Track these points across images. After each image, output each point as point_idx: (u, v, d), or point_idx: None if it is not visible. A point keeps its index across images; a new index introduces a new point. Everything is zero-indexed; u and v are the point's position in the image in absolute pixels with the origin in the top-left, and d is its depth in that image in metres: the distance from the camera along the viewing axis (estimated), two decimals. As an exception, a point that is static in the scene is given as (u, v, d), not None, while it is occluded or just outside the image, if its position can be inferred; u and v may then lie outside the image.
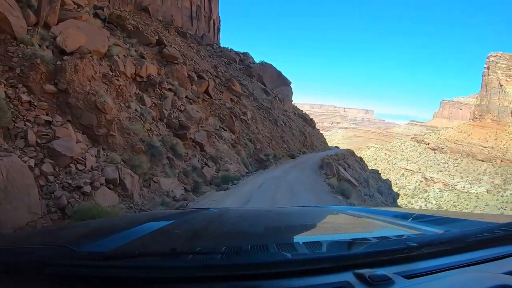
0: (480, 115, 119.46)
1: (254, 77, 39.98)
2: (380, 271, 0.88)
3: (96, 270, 0.92)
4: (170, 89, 14.33)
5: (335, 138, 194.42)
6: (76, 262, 0.94)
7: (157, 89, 13.27)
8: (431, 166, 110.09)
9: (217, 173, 12.46)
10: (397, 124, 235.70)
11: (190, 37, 35.89)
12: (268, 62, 45.11)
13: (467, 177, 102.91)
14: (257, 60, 46.09)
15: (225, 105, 22.04)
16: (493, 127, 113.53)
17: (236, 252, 1.05)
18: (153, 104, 12.03)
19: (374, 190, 29.61)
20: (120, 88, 10.26)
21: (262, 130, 28.42)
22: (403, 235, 1.22)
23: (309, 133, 42.28)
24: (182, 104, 14.13)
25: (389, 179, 51.95)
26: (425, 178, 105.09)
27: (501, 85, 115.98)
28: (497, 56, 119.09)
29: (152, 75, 13.36)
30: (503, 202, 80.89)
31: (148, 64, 13.74)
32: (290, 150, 29.83)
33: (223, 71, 31.53)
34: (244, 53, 45.92)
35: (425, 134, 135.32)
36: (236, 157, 16.36)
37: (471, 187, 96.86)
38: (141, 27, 20.75)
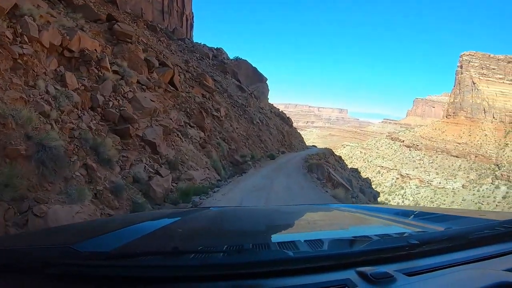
0: (454, 113, 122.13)
1: (228, 73, 36.97)
2: (381, 269, 0.88)
3: (97, 269, 0.92)
4: (115, 72, 10.98)
5: (310, 138, 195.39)
6: (78, 262, 0.94)
7: (93, 68, 9.79)
8: (406, 163, 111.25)
9: (176, 184, 9.20)
10: (371, 122, 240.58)
11: (160, 31, 32.56)
12: (243, 58, 42.03)
13: (443, 173, 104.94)
14: (231, 57, 42.72)
15: (194, 99, 18.71)
16: (467, 124, 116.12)
17: (238, 250, 1.05)
18: (82, 87, 8.65)
19: (357, 190, 27.38)
20: (24, 59, 6.82)
21: (237, 128, 25.38)
22: (404, 233, 1.24)
23: (287, 132, 39.93)
24: (130, 91, 10.70)
25: (368, 178, 50.35)
26: (401, 175, 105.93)
27: (474, 83, 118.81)
28: (470, 55, 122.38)
29: (88, 50, 9.77)
30: (479, 196, 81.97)
31: (85, 36, 10.15)
32: (269, 150, 27.16)
33: (194, 66, 28.37)
34: (217, 49, 42.67)
35: (399, 132, 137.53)
36: (205, 161, 13.17)
37: (446, 183, 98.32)
38: (91, 4, 16.95)
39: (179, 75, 19.51)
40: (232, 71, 38.33)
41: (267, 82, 42.99)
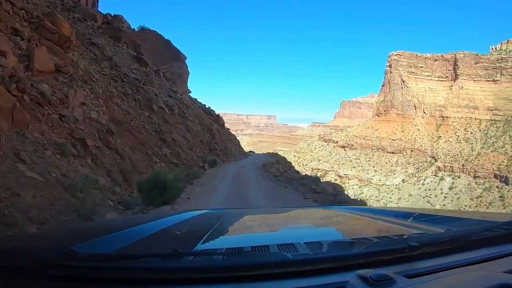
0: (385, 110, 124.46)
1: (125, 44, 25.93)
2: (381, 271, 0.88)
3: (98, 271, 0.92)
4: None
5: (241, 144, 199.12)
6: (78, 263, 0.94)
7: None
8: (343, 164, 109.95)
9: None
10: (299, 127, 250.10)
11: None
12: (151, 29, 31.18)
13: (381, 170, 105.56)
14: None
15: None
16: (399, 121, 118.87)
17: (237, 252, 1.07)
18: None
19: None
20: None
21: (117, 111, 14.89)
22: (404, 235, 1.25)
23: (218, 131, 29.86)
24: None
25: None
26: (339, 176, 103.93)
27: (403, 81, 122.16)
28: (398, 54, 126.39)
29: None
30: (425, 190, 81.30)
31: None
32: (181, 160, 16.99)
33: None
34: (115, 15, 31.12)
35: (332, 133, 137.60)
36: None
37: (386, 179, 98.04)
38: None
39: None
40: (133, 41, 27.42)
41: (186, 62, 32.80)
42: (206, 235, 1.50)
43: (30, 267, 0.92)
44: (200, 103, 36.93)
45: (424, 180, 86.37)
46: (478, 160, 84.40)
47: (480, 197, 70.88)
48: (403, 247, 1.02)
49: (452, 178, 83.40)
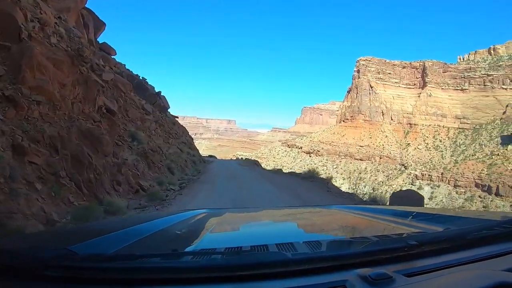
0: (351, 116, 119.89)
1: None
2: (380, 270, 0.87)
3: (97, 272, 0.91)
4: None
5: (200, 149, 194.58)
6: (77, 264, 0.92)
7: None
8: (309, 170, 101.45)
9: None
10: (259, 132, 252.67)
11: None
12: None
13: (349, 177, 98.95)
14: None
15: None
16: (366, 127, 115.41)
17: (236, 252, 1.06)
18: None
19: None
20: None
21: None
22: (403, 234, 1.24)
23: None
24: None
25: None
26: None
27: (371, 87, 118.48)
28: (367, 60, 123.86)
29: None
30: (401, 199, 74.25)
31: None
32: None
33: None
34: None
35: (295, 138, 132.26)
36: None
37: (356, 188, 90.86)
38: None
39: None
40: None
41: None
42: (206, 235, 1.54)
43: (29, 267, 0.90)
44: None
45: (401, 189, 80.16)
46: (457, 168, 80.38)
47: (463, 207, 65.52)
48: (402, 246, 1.01)
49: (431, 187, 78.33)
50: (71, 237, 1.50)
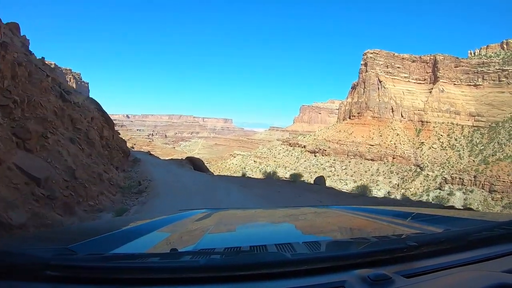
0: (358, 113, 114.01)
1: None
2: (380, 271, 0.88)
3: (96, 271, 0.92)
4: None
5: (196, 148, 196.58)
6: (76, 263, 0.94)
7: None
8: (315, 172, 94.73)
9: None
10: (256, 131, 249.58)
11: None
12: None
13: (361, 180, 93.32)
14: None
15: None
16: (375, 124, 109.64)
17: (236, 252, 1.07)
18: None
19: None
20: None
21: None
22: (402, 235, 1.23)
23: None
24: None
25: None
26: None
27: (380, 82, 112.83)
28: (375, 53, 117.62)
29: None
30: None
31: None
32: None
33: None
34: None
35: (296, 137, 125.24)
36: None
37: (370, 192, 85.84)
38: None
39: None
40: None
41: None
42: (205, 235, 1.51)
43: (29, 267, 0.91)
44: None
45: (428, 196, 75.47)
46: (490, 170, 74.29)
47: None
48: (402, 246, 1.02)
49: (463, 192, 72.78)
50: (71, 237, 1.50)
